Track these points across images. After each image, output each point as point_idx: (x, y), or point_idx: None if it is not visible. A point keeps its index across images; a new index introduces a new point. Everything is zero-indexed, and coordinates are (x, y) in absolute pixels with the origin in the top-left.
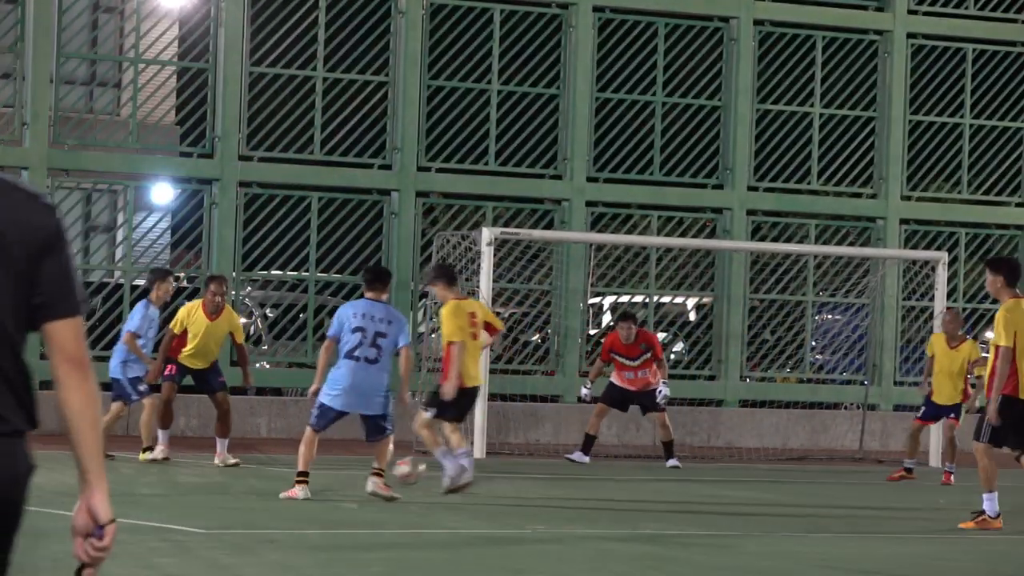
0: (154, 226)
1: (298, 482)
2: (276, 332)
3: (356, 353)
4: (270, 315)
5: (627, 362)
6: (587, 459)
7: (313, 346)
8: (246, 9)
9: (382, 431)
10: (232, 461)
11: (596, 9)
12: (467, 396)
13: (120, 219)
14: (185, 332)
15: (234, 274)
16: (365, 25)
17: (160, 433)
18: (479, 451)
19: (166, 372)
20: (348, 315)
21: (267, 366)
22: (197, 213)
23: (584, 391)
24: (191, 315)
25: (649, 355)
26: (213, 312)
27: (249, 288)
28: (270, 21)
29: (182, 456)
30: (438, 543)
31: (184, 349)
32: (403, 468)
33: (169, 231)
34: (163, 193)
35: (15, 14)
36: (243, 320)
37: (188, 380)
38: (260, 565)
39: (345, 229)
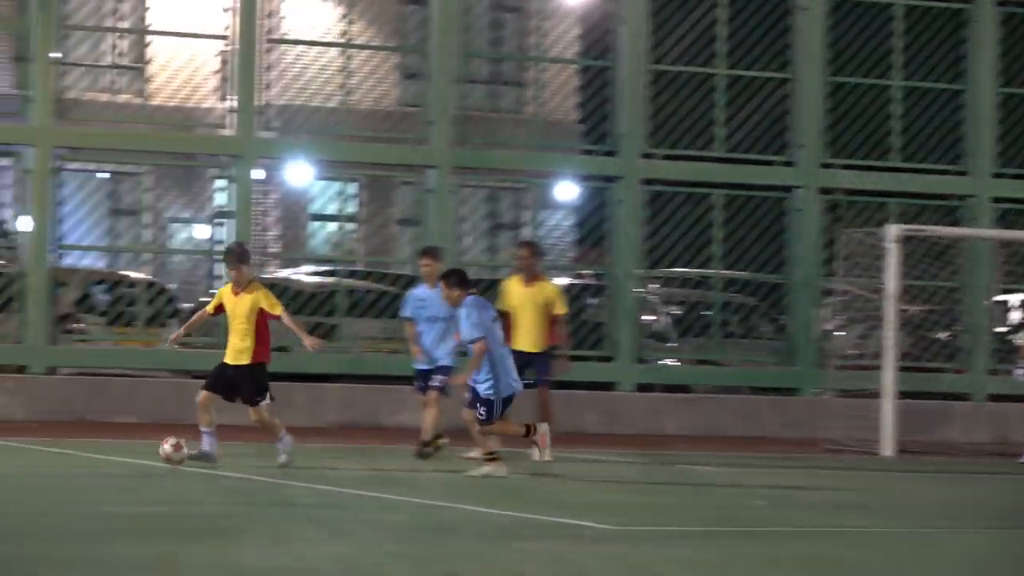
0: (558, 223)
1: None
2: (682, 329)
3: None
4: (676, 312)
5: None
6: None
7: (718, 343)
8: (647, 7)
9: None
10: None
11: (999, 3)
12: None
13: (525, 216)
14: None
15: (639, 271)
16: (765, 22)
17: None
18: (888, 449)
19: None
20: None
21: (674, 363)
22: (601, 211)
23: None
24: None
25: None
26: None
27: (654, 286)
28: (671, 19)
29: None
30: (847, 542)
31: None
32: None
33: (573, 228)
34: (566, 191)
35: (421, 14)
36: (650, 317)
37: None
38: (670, 561)
39: (748, 226)
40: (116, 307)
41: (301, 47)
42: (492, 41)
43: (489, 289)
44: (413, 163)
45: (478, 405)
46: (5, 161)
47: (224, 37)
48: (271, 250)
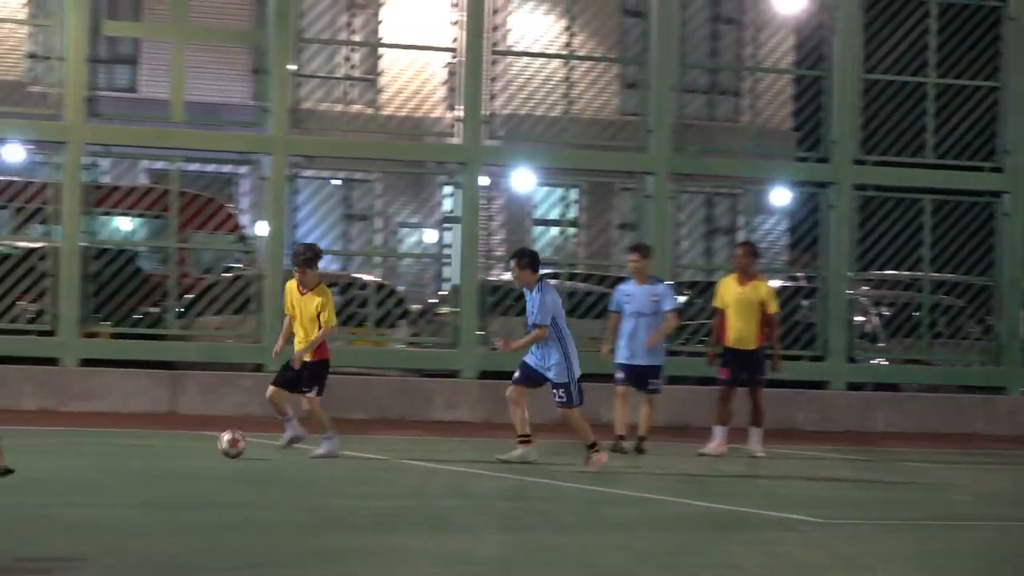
0: (772, 227)
1: None
2: (892, 330)
3: None
4: (886, 313)
5: None
6: None
7: (926, 343)
8: (860, 18)
9: None
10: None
11: None
12: None
13: (740, 221)
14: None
15: (850, 274)
16: (975, 32)
17: (719, 429)
18: None
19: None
20: None
21: (884, 362)
22: (814, 215)
23: None
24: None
25: None
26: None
27: (865, 288)
28: (883, 29)
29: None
30: None
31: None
32: None
33: (787, 233)
34: (780, 196)
35: (641, 27)
36: (860, 318)
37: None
38: (879, 554)
39: (956, 230)
40: (348, 308)
41: (525, 59)
42: (709, 52)
43: (706, 290)
44: (632, 170)
45: (557, 389)
46: (244, 169)
47: (452, 50)
48: (496, 253)
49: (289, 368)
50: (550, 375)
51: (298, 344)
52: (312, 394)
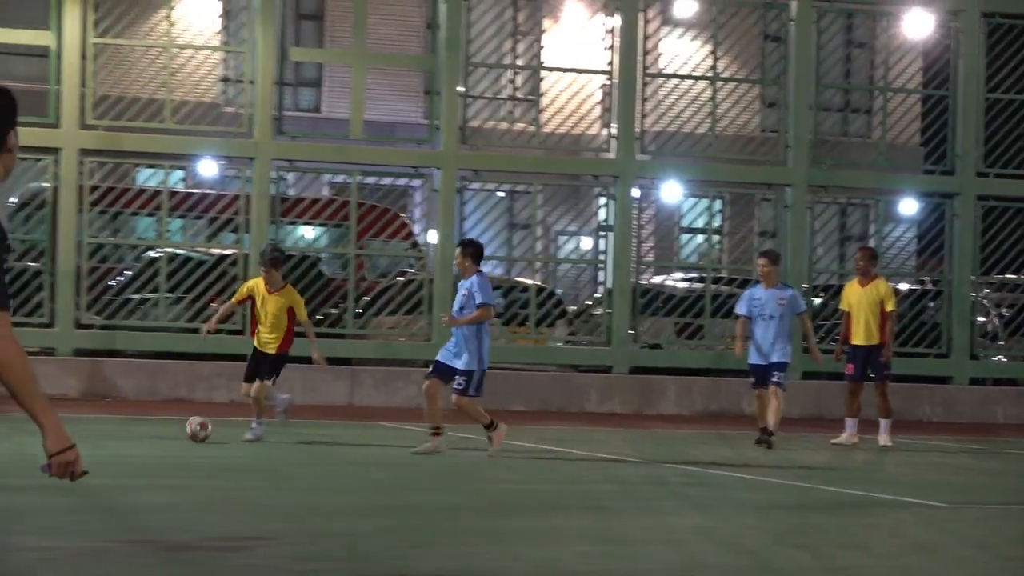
0: (901, 236)
1: None
2: (1011, 329)
3: None
4: (1005, 314)
5: None
6: None
7: None
8: (983, 42)
9: None
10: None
11: None
12: None
13: (871, 229)
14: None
15: (973, 277)
16: None
17: (849, 420)
18: None
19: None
20: None
21: (1003, 359)
22: (939, 224)
23: None
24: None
25: None
26: None
27: (987, 290)
28: (1004, 52)
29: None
30: None
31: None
32: None
33: (915, 240)
34: (909, 206)
35: (780, 50)
36: (982, 319)
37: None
38: (998, 535)
39: None
40: (511, 309)
41: (674, 80)
42: (843, 74)
43: (838, 293)
44: (772, 182)
45: (460, 376)
46: (417, 182)
47: (607, 72)
48: (646, 259)
49: (254, 363)
50: (458, 363)
51: (264, 337)
52: (268, 382)
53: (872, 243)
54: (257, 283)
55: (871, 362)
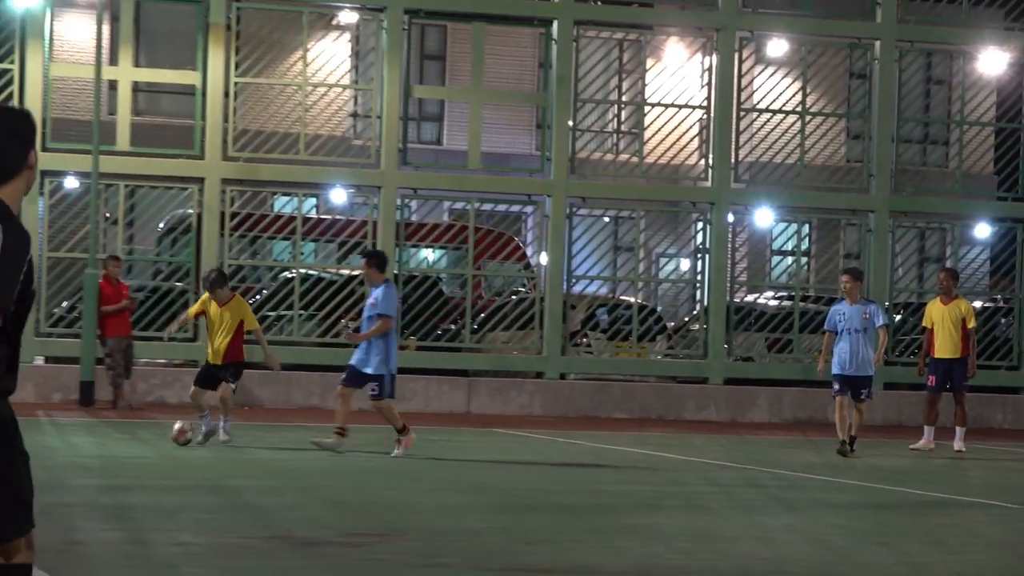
0: (976, 257)
1: None
2: None
3: None
4: None
5: None
6: None
7: None
8: None
9: None
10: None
11: None
12: None
13: (948, 252)
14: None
15: None
16: None
17: (927, 428)
18: None
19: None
20: None
21: None
22: (1011, 247)
23: None
24: None
25: None
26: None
27: None
28: None
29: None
30: None
31: None
32: None
33: (988, 261)
34: (982, 230)
35: (864, 87)
36: None
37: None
38: None
39: None
40: (615, 325)
41: (766, 114)
42: (923, 108)
43: (918, 310)
44: (856, 208)
45: (371, 382)
46: (529, 208)
47: (704, 107)
48: (740, 279)
49: (209, 370)
50: (368, 369)
51: (213, 348)
52: (233, 384)
53: (949, 264)
54: (208, 299)
55: (951, 374)
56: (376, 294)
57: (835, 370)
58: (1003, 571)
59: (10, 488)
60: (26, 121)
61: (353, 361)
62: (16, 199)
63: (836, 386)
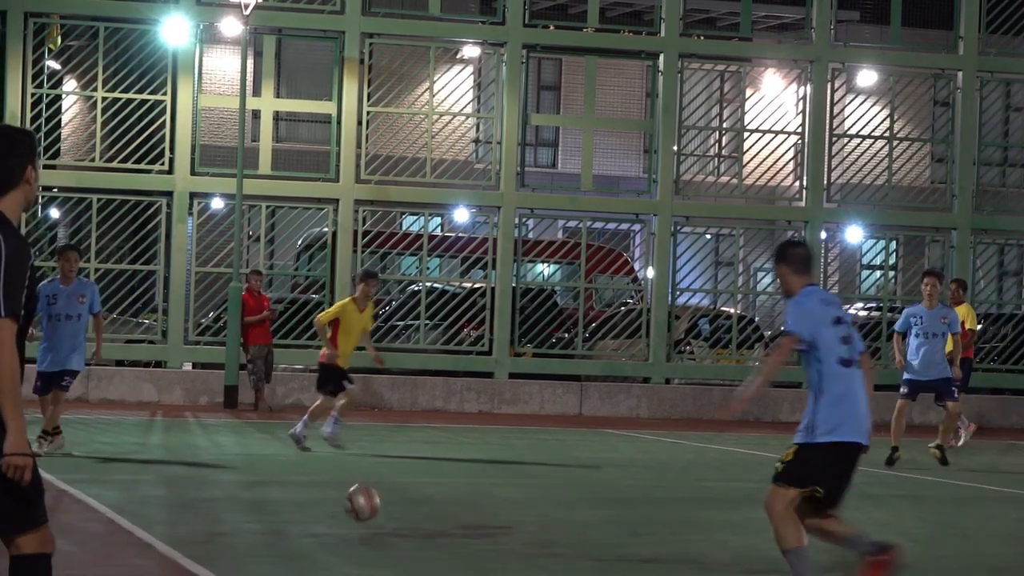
0: None
1: None
2: None
3: None
4: None
5: None
6: None
7: None
8: None
9: None
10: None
11: None
12: None
13: None
14: None
15: None
16: None
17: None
18: None
19: None
20: None
21: None
22: None
23: None
24: None
25: None
26: None
27: None
28: None
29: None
30: None
31: None
32: None
33: None
34: None
35: (948, 114)
36: None
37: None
38: None
39: None
40: (716, 334)
41: (856, 139)
42: (1002, 133)
43: (997, 320)
44: (939, 226)
45: (70, 376)
46: (636, 226)
47: (799, 133)
48: (832, 291)
49: (335, 373)
50: (71, 364)
51: (349, 351)
52: (352, 387)
53: None
54: (346, 304)
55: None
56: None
57: (907, 374)
58: None
59: (39, 478)
60: (27, 138)
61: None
62: (15, 211)
63: (904, 389)
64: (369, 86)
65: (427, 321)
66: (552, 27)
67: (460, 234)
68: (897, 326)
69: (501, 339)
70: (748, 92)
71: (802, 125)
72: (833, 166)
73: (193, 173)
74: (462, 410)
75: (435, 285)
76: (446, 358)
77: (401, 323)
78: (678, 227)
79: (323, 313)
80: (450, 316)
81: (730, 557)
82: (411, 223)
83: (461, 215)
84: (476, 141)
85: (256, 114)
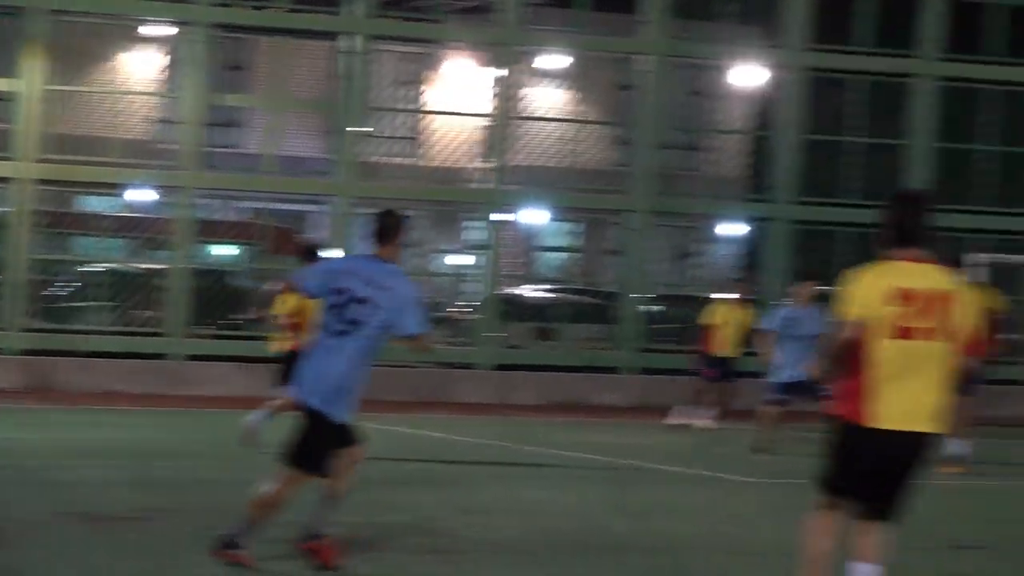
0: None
1: None
2: None
3: None
4: None
5: None
6: None
7: None
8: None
9: None
10: None
11: None
12: None
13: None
14: None
15: None
16: None
17: (705, 410)
18: None
19: None
20: None
21: None
22: (759, 244)
23: None
24: None
25: None
26: None
27: None
28: None
29: None
30: None
31: None
32: None
33: (739, 257)
34: (732, 229)
35: (631, 97)
36: None
37: None
38: None
39: None
40: None
41: (543, 122)
42: (685, 117)
43: (678, 301)
44: (621, 208)
45: None
46: (327, 207)
47: (485, 115)
48: (516, 273)
49: None
50: None
51: None
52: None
53: (705, 259)
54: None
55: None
56: None
57: (785, 377)
58: None
59: None
60: None
61: None
62: None
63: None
64: (55, 64)
65: (104, 303)
66: (242, 8)
67: (142, 215)
68: (772, 324)
69: (176, 320)
70: (438, 74)
71: (489, 108)
72: (518, 149)
73: None
74: (135, 392)
75: (111, 266)
76: (121, 339)
77: (77, 305)
78: (352, 208)
79: None
80: (127, 298)
81: None
82: (94, 204)
83: (143, 195)
84: (161, 121)
85: None
